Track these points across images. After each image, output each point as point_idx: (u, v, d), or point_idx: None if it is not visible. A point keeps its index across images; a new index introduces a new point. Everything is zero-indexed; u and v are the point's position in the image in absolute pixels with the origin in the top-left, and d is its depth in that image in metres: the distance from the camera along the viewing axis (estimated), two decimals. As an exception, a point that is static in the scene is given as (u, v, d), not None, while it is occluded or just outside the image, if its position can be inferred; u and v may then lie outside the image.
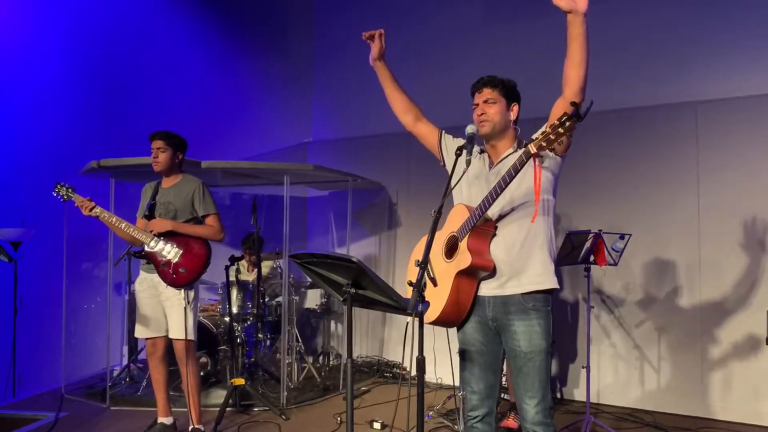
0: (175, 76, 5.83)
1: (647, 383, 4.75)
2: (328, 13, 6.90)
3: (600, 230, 4.01)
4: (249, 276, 5.61)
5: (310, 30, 7.03)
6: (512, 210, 2.38)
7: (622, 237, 4.05)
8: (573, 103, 2.05)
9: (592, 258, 4.03)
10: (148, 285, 3.81)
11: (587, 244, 4.00)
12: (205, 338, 4.93)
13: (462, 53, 5.82)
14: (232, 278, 5.39)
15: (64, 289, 4.89)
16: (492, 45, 5.64)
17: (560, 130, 2.03)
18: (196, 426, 3.81)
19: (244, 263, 5.66)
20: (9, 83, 4.86)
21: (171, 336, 3.77)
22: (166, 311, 3.78)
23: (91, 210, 3.71)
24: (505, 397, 4.37)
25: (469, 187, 2.50)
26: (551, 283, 2.39)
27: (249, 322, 5.26)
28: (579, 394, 4.92)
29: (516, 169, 2.21)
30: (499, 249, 2.37)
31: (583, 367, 4.13)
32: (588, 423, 3.98)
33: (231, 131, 6.16)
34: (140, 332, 3.87)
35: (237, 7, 6.39)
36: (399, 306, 2.09)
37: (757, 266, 4.37)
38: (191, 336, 3.74)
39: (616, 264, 4.09)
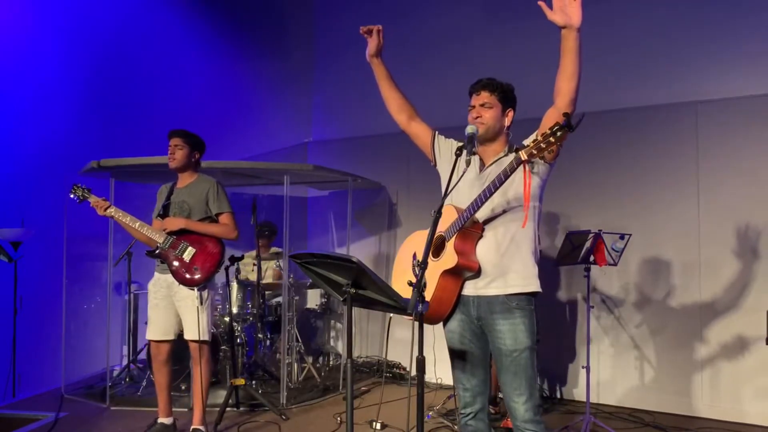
0: (175, 76, 5.83)
1: (647, 383, 4.75)
2: (328, 14, 6.90)
3: (600, 230, 4.02)
4: (254, 275, 5.63)
5: (310, 30, 7.03)
6: (500, 214, 2.42)
7: (622, 237, 4.05)
8: (565, 114, 2.08)
9: (592, 258, 4.03)
10: (161, 286, 3.77)
11: (587, 244, 4.00)
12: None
13: (461, 54, 5.82)
14: (241, 278, 5.40)
15: (64, 289, 4.89)
16: (491, 45, 5.65)
17: (551, 139, 2.07)
18: (197, 426, 3.80)
19: (248, 261, 5.65)
20: (9, 83, 4.86)
21: (185, 337, 3.74)
22: (180, 312, 3.74)
23: (105, 210, 3.69)
24: (505, 397, 4.36)
25: (458, 188, 2.51)
26: (534, 286, 2.43)
27: (249, 322, 5.26)
28: (579, 394, 4.91)
29: (506, 175, 2.26)
30: (484, 251, 2.41)
31: (583, 367, 4.13)
32: (588, 423, 3.98)
33: (231, 131, 6.16)
34: (149, 334, 3.83)
35: (237, 8, 6.39)
36: (399, 306, 2.09)
37: (758, 265, 4.37)
38: (205, 336, 3.71)
39: (616, 264, 4.09)
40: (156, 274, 3.83)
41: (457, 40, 5.90)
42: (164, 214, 3.76)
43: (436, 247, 2.46)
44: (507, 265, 2.40)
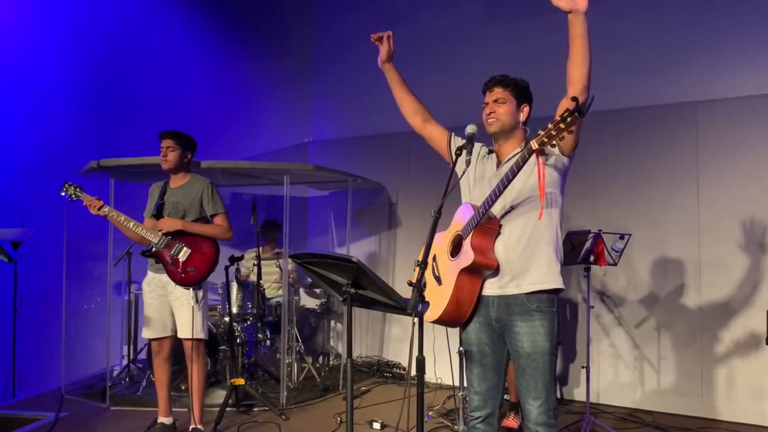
0: (176, 76, 5.83)
1: (647, 383, 4.75)
2: (328, 14, 6.90)
3: (600, 230, 4.01)
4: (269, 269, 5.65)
5: (310, 30, 7.03)
6: (516, 207, 2.36)
7: (622, 237, 4.05)
8: (574, 98, 2.05)
9: (592, 258, 4.02)
10: (156, 285, 3.80)
11: (587, 244, 3.99)
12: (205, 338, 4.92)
13: (462, 53, 5.82)
14: (241, 277, 5.39)
15: (64, 289, 4.89)
16: (492, 45, 5.64)
17: (561, 125, 2.03)
18: (197, 426, 3.81)
19: (250, 260, 5.66)
20: (9, 83, 4.86)
21: (180, 336, 3.76)
22: (174, 311, 3.77)
23: (99, 209, 3.70)
24: (506, 396, 4.37)
25: (475, 187, 2.49)
26: (556, 283, 2.36)
27: (249, 322, 5.26)
28: (579, 394, 4.92)
29: (518, 166, 2.21)
30: (503, 248, 2.35)
31: (583, 367, 4.13)
32: (588, 423, 3.98)
33: (231, 131, 6.16)
34: (147, 333, 3.86)
35: (237, 8, 6.39)
36: (399, 306, 2.09)
37: (758, 265, 4.37)
38: (200, 335, 3.74)
39: (616, 264, 4.09)
40: (150, 273, 3.86)
41: (458, 40, 5.90)
42: (158, 213, 3.76)
43: (454, 246, 2.43)
44: (526, 261, 2.34)
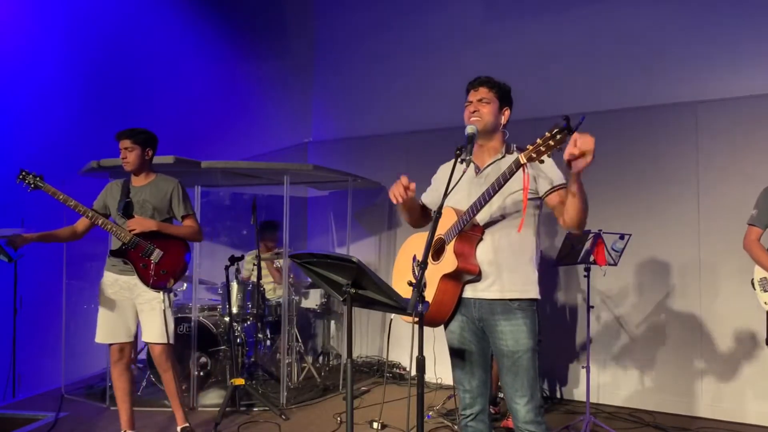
0: (175, 76, 5.82)
1: (647, 383, 4.75)
2: (328, 14, 6.90)
3: (600, 230, 4.02)
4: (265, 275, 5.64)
5: (310, 30, 7.03)
6: (500, 217, 2.42)
7: (622, 237, 4.05)
8: (564, 117, 2.08)
9: (592, 258, 4.03)
10: (120, 287, 3.63)
11: (587, 244, 4.00)
12: (205, 338, 4.92)
13: (461, 53, 5.81)
14: (243, 278, 5.38)
15: (64, 289, 4.89)
16: (491, 45, 5.63)
17: (551, 142, 2.08)
18: (184, 425, 3.78)
19: (250, 261, 5.65)
20: (9, 83, 4.86)
21: (147, 340, 3.61)
22: (142, 314, 3.61)
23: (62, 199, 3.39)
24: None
25: (455, 189, 2.50)
26: (533, 293, 2.43)
27: (249, 322, 5.26)
28: (579, 394, 4.91)
29: (505, 178, 2.25)
30: (485, 254, 2.41)
31: (583, 367, 4.13)
32: (588, 423, 3.98)
33: (231, 131, 6.16)
34: (104, 337, 3.63)
35: (237, 8, 6.39)
36: (399, 306, 2.09)
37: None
38: (171, 340, 3.61)
39: (616, 264, 4.09)
40: (110, 274, 3.66)
41: (457, 39, 5.90)
42: (126, 212, 3.58)
43: (435, 249, 2.46)
44: (506, 269, 2.39)
